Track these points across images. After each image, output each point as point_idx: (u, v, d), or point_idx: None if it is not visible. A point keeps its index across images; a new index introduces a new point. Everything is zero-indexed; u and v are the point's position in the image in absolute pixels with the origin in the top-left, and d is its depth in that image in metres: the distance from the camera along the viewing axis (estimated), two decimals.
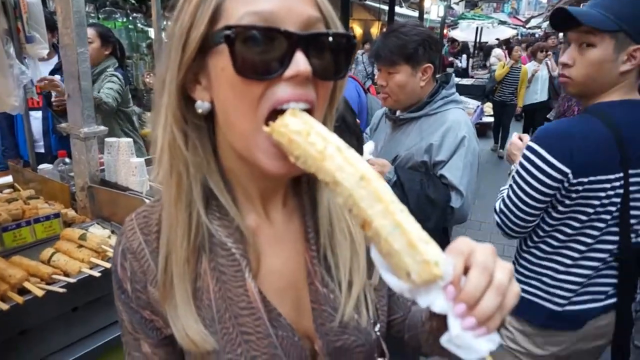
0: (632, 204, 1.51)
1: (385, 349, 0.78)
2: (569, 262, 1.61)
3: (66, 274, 1.46)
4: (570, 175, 1.49)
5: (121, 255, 0.72)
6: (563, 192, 1.54)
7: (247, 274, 0.68)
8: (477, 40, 16.92)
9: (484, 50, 15.28)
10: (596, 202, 1.51)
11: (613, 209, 1.51)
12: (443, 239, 2.04)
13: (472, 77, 12.10)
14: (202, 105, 0.65)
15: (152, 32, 6.83)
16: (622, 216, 1.52)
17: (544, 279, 1.66)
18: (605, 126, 1.47)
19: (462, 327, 0.48)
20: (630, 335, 1.65)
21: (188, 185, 0.67)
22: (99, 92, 3.28)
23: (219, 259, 0.69)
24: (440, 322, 0.66)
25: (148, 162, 2.14)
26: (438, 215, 1.86)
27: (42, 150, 3.44)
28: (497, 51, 12.26)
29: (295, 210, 0.77)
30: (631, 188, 1.50)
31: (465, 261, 0.50)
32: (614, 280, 1.61)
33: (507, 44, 13.19)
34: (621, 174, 1.48)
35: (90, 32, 3.17)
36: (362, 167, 0.53)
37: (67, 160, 2.43)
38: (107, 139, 2.19)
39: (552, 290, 1.64)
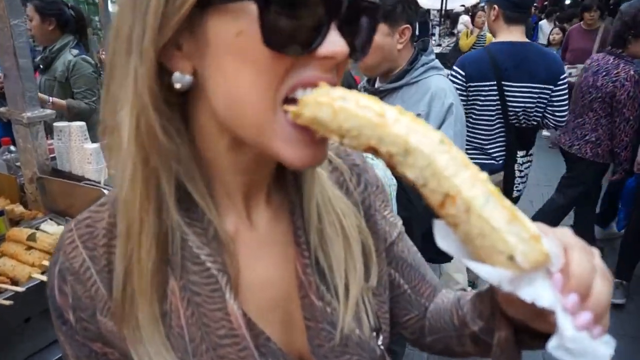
0: (508, 103, 2.55)
1: None
2: (485, 133, 2.63)
3: (14, 282, 1.27)
4: (464, 79, 2.56)
5: (59, 278, 0.55)
6: (465, 90, 2.58)
7: (227, 294, 0.54)
8: (444, 7, 16.73)
9: (450, 17, 15.11)
10: (482, 98, 2.56)
11: (493, 103, 2.55)
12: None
13: (439, 45, 11.97)
14: (181, 79, 0.49)
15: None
16: (503, 109, 2.56)
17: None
18: (486, 53, 2.57)
19: (577, 325, 0.37)
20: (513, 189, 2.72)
21: (159, 181, 0.51)
22: (69, 85, 2.98)
23: (190, 276, 0.54)
24: (508, 330, 0.52)
25: None
26: None
27: None
28: (464, 18, 12.08)
29: (280, 208, 0.63)
30: (505, 91, 2.53)
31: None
32: (504, 149, 2.67)
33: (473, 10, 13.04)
34: (494, 82, 2.51)
35: (28, 7, 2.84)
36: (434, 129, 0.42)
37: (12, 148, 2.17)
38: (55, 124, 1.96)
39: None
